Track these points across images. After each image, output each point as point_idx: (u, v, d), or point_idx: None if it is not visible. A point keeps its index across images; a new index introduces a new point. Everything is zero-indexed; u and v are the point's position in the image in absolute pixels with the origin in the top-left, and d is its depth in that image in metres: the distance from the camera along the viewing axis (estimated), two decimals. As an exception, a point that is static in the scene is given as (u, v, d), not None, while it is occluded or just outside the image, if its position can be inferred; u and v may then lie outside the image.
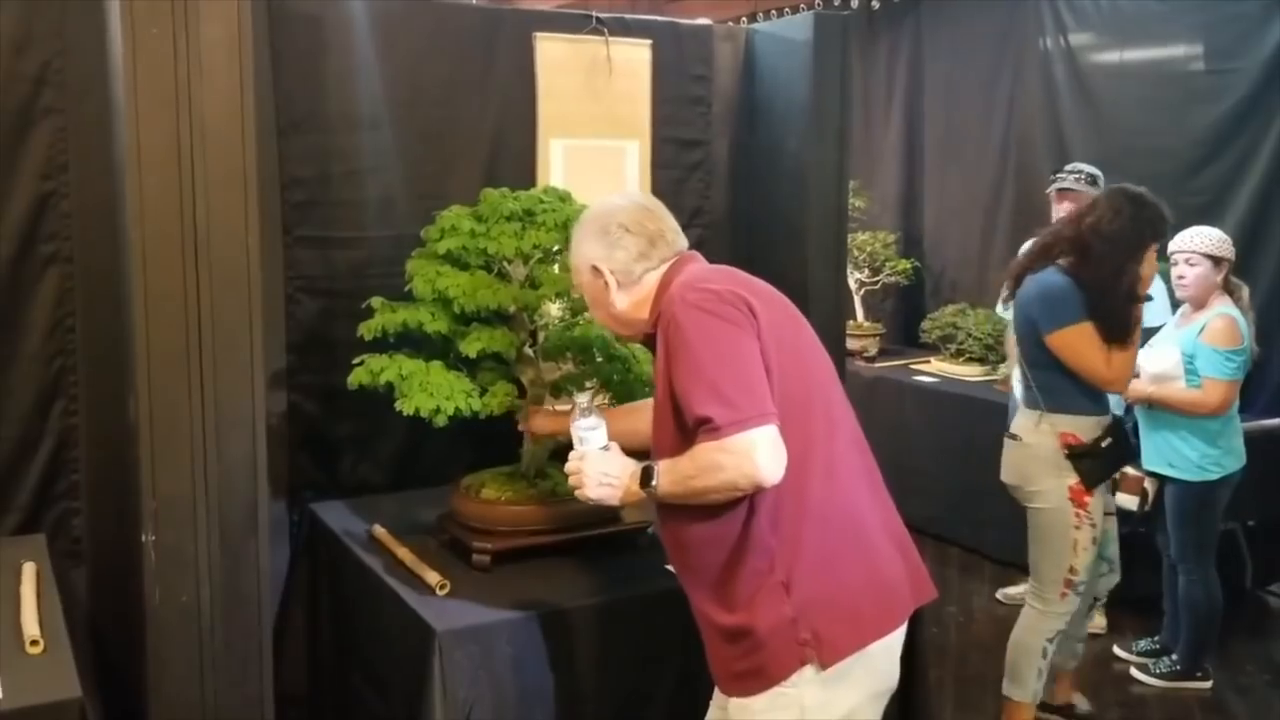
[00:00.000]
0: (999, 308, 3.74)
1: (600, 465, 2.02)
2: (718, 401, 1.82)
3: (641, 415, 2.31)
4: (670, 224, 2.15)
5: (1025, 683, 3.28)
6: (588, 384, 2.67)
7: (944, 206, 6.23)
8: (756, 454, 1.81)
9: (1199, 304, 3.71)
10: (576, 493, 2.04)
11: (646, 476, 1.96)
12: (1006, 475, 3.35)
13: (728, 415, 1.81)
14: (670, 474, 1.92)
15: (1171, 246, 3.78)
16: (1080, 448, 3.15)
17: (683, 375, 1.88)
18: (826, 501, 1.94)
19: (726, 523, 1.92)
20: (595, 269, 2.11)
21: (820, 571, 1.92)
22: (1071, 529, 3.16)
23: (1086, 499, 3.15)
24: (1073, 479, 3.15)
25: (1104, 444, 3.17)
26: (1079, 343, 3.13)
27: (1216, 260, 3.67)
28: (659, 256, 2.10)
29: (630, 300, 2.11)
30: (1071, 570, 3.19)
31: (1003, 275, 4.67)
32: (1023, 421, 3.29)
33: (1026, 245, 3.61)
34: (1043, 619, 3.26)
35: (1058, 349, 3.16)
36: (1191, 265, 3.68)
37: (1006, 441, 3.34)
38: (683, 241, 2.15)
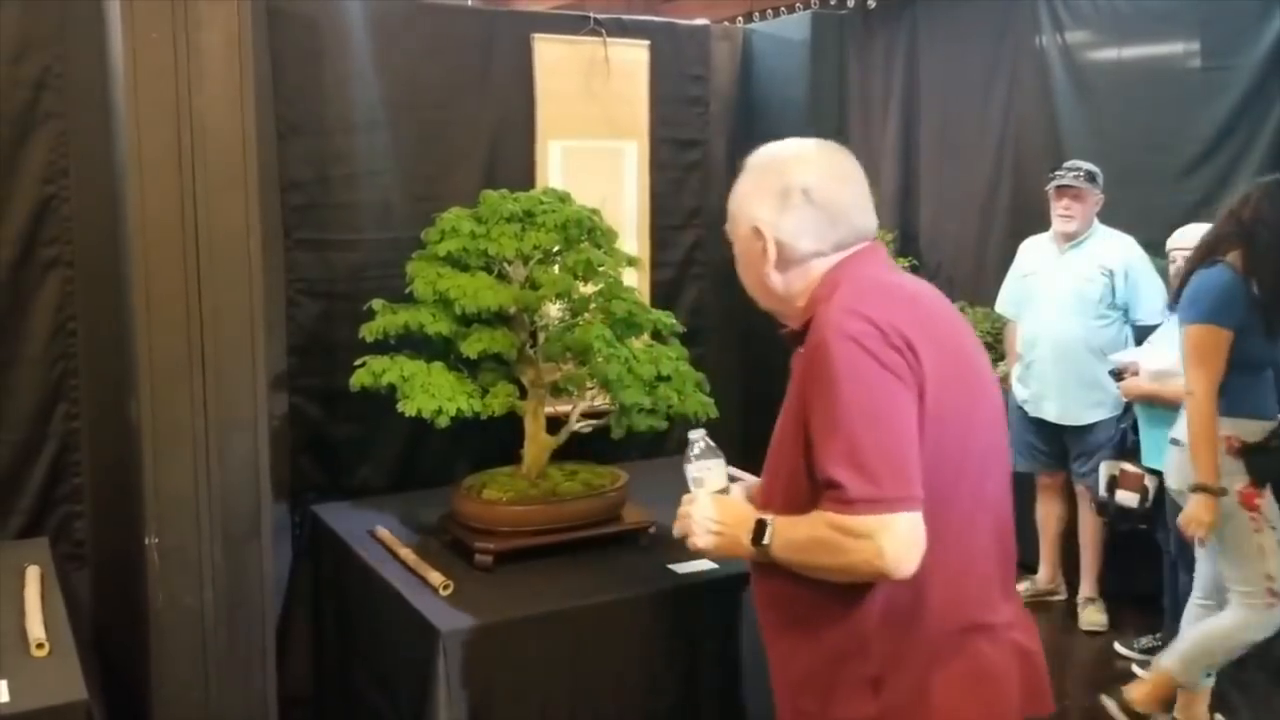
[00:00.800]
0: (1161, 316, 3.72)
1: (709, 510, 1.80)
2: (854, 468, 1.55)
3: None
4: (862, 198, 1.79)
5: (1191, 672, 3.23)
6: (588, 384, 2.68)
7: (940, 204, 6.23)
8: (888, 543, 1.54)
9: (1197, 301, 3.71)
10: (687, 542, 1.84)
11: (759, 533, 1.70)
12: (1171, 480, 3.27)
13: (863, 489, 1.54)
14: (784, 536, 1.67)
15: (1170, 243, 3.80)
16: (1248, 445, 3.04)
17: (820, 420, 1.60)
18: (950, 602, 1.66)
19: (832, 593, 1.66)
20: (757, 231, 1.77)
21: (921, 679, 1.65)
22: (1251, 534, 3.06)
23: (1257, 501, 3.04)
24: (1240, 483, 3.05)
25: (1273, 444, 3.06)
26: (1204, 344, 3.04)
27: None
28: (834, 241, 1.75)
29: (785, 282, 1.78)
30: (1269, 578, 3.07)
31: (1001, 274, 4.72)
32: (1183, 425, 3.16)
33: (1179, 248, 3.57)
34: (1244, 629, 3.15)
35: (1185, 339, 3.08)
36: (1190, 262, 3.69)
37: (1169, 447, 3.27)
38: (871, 223, 1.79)
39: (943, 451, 1.61)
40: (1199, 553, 3.20)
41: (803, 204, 1.74)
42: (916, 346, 1.60)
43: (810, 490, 1.64)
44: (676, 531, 1.85)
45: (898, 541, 1.54)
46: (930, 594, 1.63)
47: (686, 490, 1.86)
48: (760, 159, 1.83)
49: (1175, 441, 3.22)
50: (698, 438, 1.89)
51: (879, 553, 1.54)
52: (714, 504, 1.82)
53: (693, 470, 1.87)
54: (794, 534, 1.66)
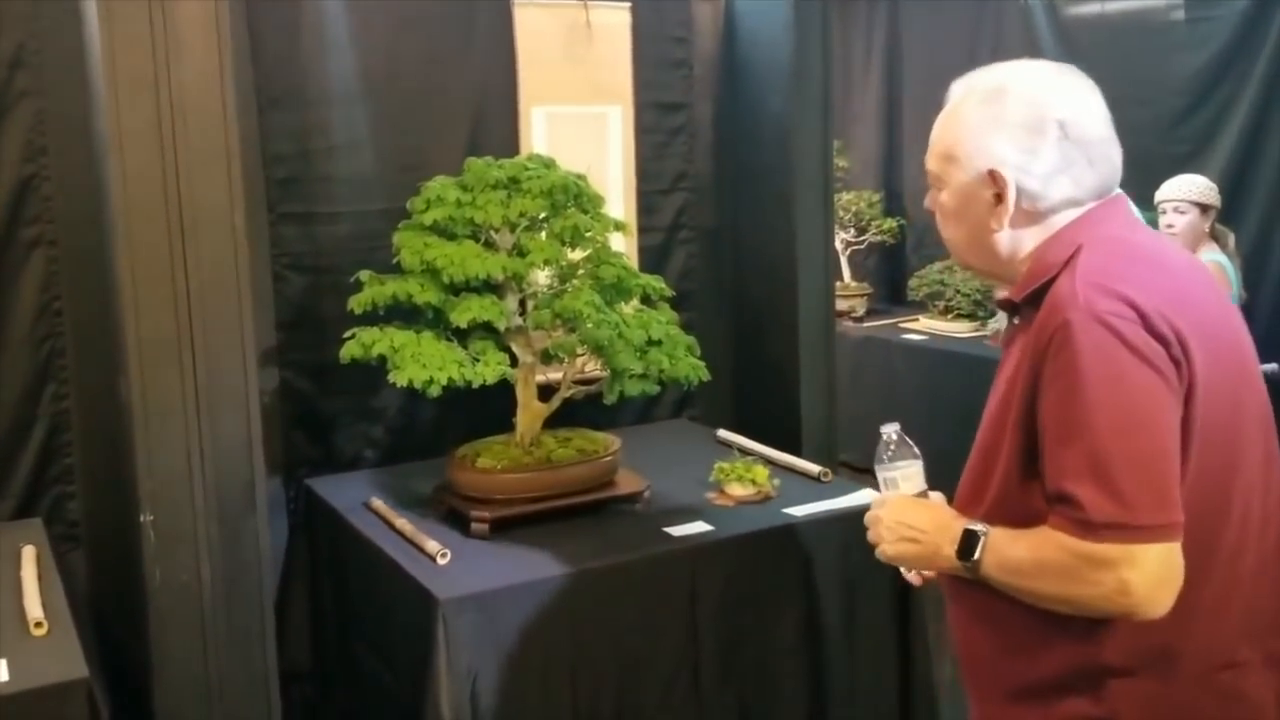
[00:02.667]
0: None
1: (902, 514, 1.54)
2: (1100, 486, 1.28)
3: None
4: (1112, 130, 1.47)
5: None
6: (579, 351, 2.67)
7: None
8: (1136, 577, 1.27)
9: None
10: (876, 552, 1.59)
11: (968, 545, 1.43)
12: None
13: (1111, 512, 1.27)
14: (1000, 554, 1.40)
15: (1159, 195, 3.80)
16: None
17: (1056, 420, 1.32)
18: (1212, 640, 1.39)
19: (1061, 621, 1.39)
20: (993, 175, 1.45)
21: None
22: None
23: None
24: None
25: None
26: None
27: (1204, 208, 3.70)
28: (1092, 187, 1.45)
29: (1014, 240, 1.47)
30: None
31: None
32: None
33: None
34: None
35: None
36: (1180, 213, 3.70)
37: None
38: (1119, 172, 1.48)
39: (1210, 466, 1.35)
40: None
41: (1059, 141, 1.42)
42: (1185, 335, 1.31)
43: (1023, 498, 1.40)
44: (869, 539, 1.60)
45: (1147, 576, 1.27)
46: (1192, 632, 1.37)
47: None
48: (990, 83, 1.48)
49: None
50: (891, 434, 1.64)
51: (1123, 588, 1.28)
52: (908, 507, 1.56)
53: (885, 472, 1.63)
54: (1013, 552, 1.39)
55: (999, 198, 1.46)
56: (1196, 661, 1.39)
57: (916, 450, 1.65)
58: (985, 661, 1.54)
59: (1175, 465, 1.30)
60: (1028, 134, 1.43)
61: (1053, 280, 1.40)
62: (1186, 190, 3.70)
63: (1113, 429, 1.28)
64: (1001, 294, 1.54)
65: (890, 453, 1.64)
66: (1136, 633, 1.35)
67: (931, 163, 1.54)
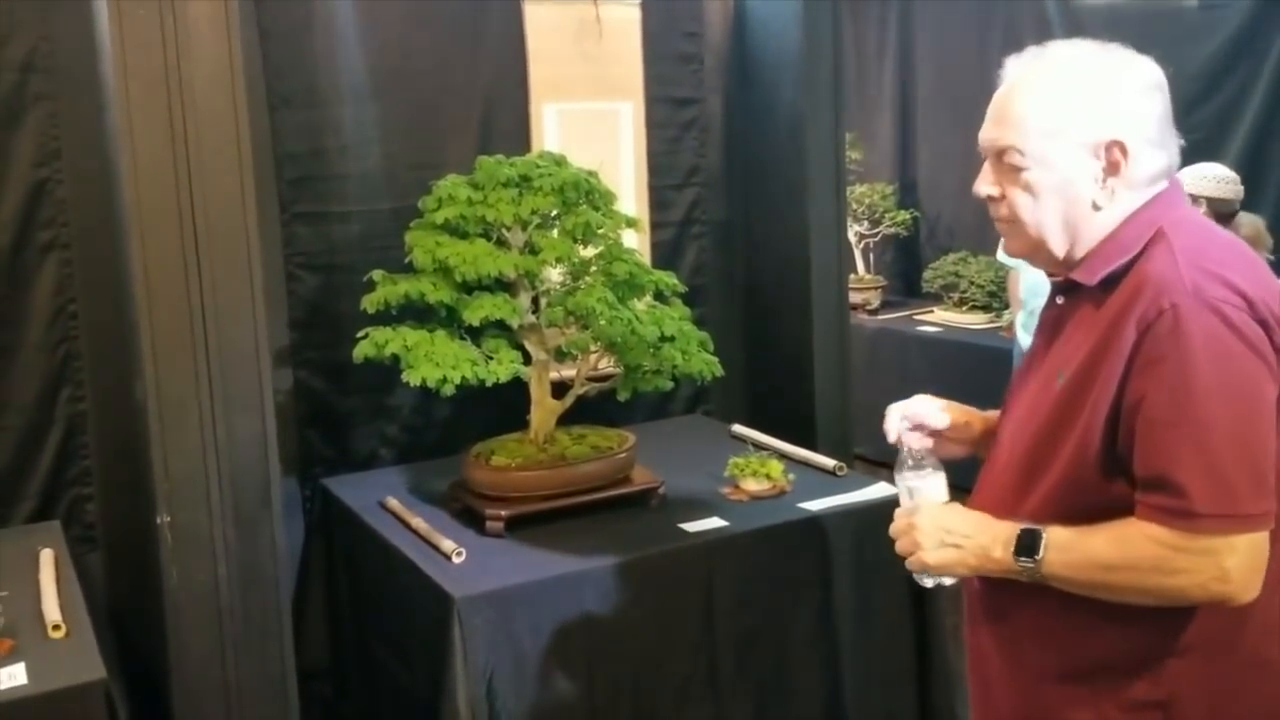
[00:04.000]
0: None
1: (940, 520, 1.49)
2: (1209, 477, 1.27)
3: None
4: None
5: None
6: (592, 348, 2.67)
7: (939, 154, 6.21)
8: (1235, 564, 1.28)
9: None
10: (909, 562, 1.52)
11: (1027, 545, 1.38)
12: None
13: (1217, 503, 1.27)
14: (1071, 552, 1.36)
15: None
16: None
17: (1162, 407, 1.29)
18: (1264, 626, 1.40)
19: (1126, 620, 1.38)
20: (1114, 147, 1.40)
21: (1220, 705, 1.39)
22: None
23: None
24: None
25: None
26: None
27: (1193, 198, 3.66)
28: (1175, 164, 1.45)
29: (1104, 217, 1.42)
30: None
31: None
32: None
33: None
34: None
35: None
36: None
37: None
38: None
39: None
40: None
41: (1165, 112, 1.43)
42: None
43: (1100, 485, 1.36)
44: (899, 550, 1.55)
45: (1244, 563, 1.28)
46: (1254, 610, 1.36)
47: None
48: (1083, 54, 1.46)
49: None
50: (914, 443, 1.63)
51: (1223, 575, 1.28)
52: (945, 512, 1.52)
53: (906, 481, 1.60)
54: (1089, 549, 1.35)
55: (1108, 170, 1.41)
56: (1253, 638, 1.40)
57: (939, 461, 1.63)
58: (1029, 650, 1.51)
59: (1274, 453, 1.30)
60: (1143, 105, 1.42)
61: (1132, 262, 1.39)
62: (1200, 179, 3.68)
63: (1222, 417, 1.27)
64: (1062, 278, 1.50)
65: (914, 462, 1.62)
66: (1210, 614, 1.36)
67: (1028, 141, 1.44)
